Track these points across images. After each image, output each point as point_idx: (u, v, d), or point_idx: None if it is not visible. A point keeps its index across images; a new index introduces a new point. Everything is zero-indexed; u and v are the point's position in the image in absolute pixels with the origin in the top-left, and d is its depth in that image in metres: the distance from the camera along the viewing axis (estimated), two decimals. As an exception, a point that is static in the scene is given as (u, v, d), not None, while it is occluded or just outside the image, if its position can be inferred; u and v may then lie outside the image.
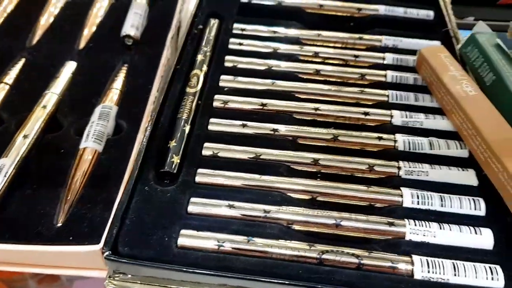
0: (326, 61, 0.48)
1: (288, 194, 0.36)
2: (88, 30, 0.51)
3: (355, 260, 0.32)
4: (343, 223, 0.34)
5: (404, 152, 0.39)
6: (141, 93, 0.43)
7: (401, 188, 0.36)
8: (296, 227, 0.34)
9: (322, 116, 0.42)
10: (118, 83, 0.44)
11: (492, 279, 0.31)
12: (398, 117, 0.42)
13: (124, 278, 0.32)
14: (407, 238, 0.33)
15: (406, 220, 0.34)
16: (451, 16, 0.53)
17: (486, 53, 0.44)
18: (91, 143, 0.38)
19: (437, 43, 0.50)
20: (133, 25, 0.49)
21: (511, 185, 0.33)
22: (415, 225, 0.34)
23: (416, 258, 0.32)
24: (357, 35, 0.50)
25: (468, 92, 0.40)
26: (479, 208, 0.35)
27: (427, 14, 0.54)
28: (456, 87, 0.40)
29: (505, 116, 0.39)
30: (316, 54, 0.48)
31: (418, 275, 0.31)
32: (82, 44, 0.49)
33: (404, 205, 0.35)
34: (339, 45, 0.50)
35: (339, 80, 0.46)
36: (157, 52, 0.47)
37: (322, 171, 0.38)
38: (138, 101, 0.43)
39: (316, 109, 0.42)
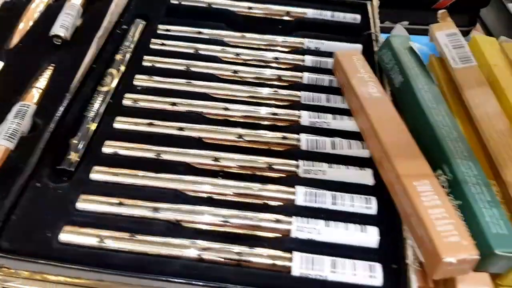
0: (247, 62, 0.48)
1: (185, 192, 0.36)
2: (20, 30, 0.51)
3: (235, 257, 0.32)
4: (231, 220, 0.34)
5: (306, 151, 0.40)
6: (60, 91, 0.43)
7: (296, 186, 0.36)
8: (185, 224, 0.34)
9: (231, 116, 0.42)
10: (41, 82, 0.44)
11: (370, 276, 0.31)
12: (306, 118, 0.42)
13: (7, 273, 0.32)
14: (293, 235, 0.34)
15: (293, 217, 0.34)
16: (376, 20, 0.54)
17: (398, 56, 0.44)
18: (2, 141, 0.38)
19: (358, 46, 0.50)
20: (62, 25, 0.49)
21: (400, 185, 0.33)
22: (302, 222, 0.34)
23: (296, 255, 0.32)
24: (280, 38, 0.51)
25: (373, 93, 0.40)
26: (370, 206, 0.35)
27: (354, 17, 0.54)
28: (362, 89, 0.41)
29: (410, 118, 0.39)
30: (237, 55, 0.48)
31: (296, 272, 0.32)
32: (12, 44, 0.49)
33: (297, 203, 0.36)
34: (263, 47, 0.50)
35: (255, 81, 0.46)
36: (83, 51, 0.47)
37: (224, 170, 0.38)
38: (56, 100, 0.43)
39: (226, 108, 0.42)
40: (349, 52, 0.45)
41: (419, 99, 0.40)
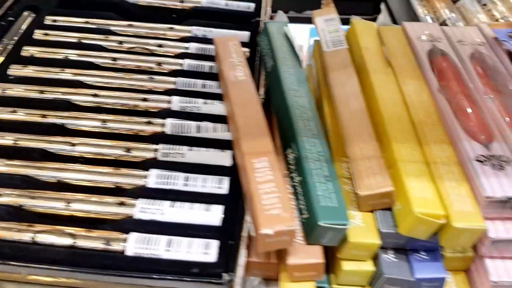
0: (130, 50, 0.48)
1: (34, 177, 0.36)
2: None
3: (70, 239, 0.32)
4: (73, 204, 0.34)
5: (170, 136, 0.40)
6: None
7: (150, 169, 0.36)
8: (28, 208, 0.34)
9: (100, 103, 0.42)
10: None
11: (205, 253, 0.32)
12: (176, 103, 0.42)
13: None
14: (136, 217, 0.34)
15: (139, 199, 0.34)
16: (267, 8, 0.54)
17: (272, 41, 0.45)
18: None
19: (246, 33, 0.50)
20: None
21: (241, 162, 0.33)
22: (147, 204, 0.34)
23: (131, 235, 0.32)
24: (167, 26, 0.51)
25: (238, 77, 0.41)
26: (222, 186, 0.36)
27: (248, 6, 0.55)
28: (230, 73, 0.41)
29: (274, 99, 0.40)
30: (120, 44, 0.48)
31: (130, 252, 0.31)
32: None
33: (148, 185, 0.36)
34: (150, 35, 0.50)
35: (135, 68, 0.46)
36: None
37: (84, 156, 0.38)
38: None
39: (95, 95, 0.42)
40: (227, 38, 0.46)
41: (282, 81, 0.40)
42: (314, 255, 0.31)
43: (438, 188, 0.33)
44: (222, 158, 0.38)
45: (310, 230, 0.31)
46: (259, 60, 0.46)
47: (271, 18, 0.54)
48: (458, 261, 0.34)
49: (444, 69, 0.41)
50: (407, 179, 0.32)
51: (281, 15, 0.49)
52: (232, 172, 0.37)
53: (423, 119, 0.37)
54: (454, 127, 0.36)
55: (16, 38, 0.49)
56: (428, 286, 0.33)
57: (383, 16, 0.65)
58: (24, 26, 0.50)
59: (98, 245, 0.32)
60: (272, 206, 0.30)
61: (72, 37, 0.49)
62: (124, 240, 0.32)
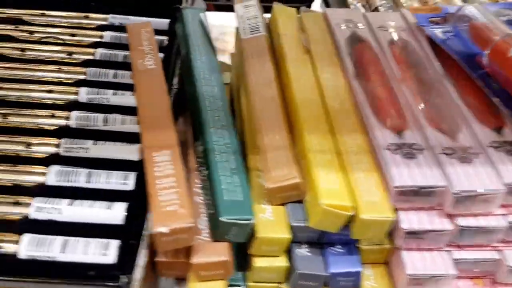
0: (42, 39, 0.45)
1: None
2: None
3: (-46, 243, 0.29)
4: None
5: (75, 129, 0.37)
6: None
7: (50, 166, 0.34)
8: None
9: (3, 96, 0.39)
10: None
11: (103, 254, 0.30)
12: (83, 94, 0.40)
13: None
14: (32, 217, 0.31)
15: (35, 198, 0.32)
16: (190, -5, 0.52)
17: (186, 29, 0.43)
18: None
19: (165, 21, 0.48)
20: None
21: (145, 160, 0.31)
22: (44, 203, 0.31)
23: (25, 237, 0.30)
24: (83, 14, 0.48)
25: (148, 66, 0.38)
26: (127, 182, 0.34)
27: (171, -8, 0.52)
28: (138, 61, 0.39)
29: (187, 88, 0.38)
30: (31, 34, 0.45)
31: (22, 254, 0.29)
32: None
33: (48, 183, 0.33)
34: (63, 24, 0.47)
35: (45, 59, 0.43)
36: None
37: (-18, 152, 0.35)
38: None
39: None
40: (140, 25, 0.43)
41: (193, 69, 0.38)
42: (219, 253, 0.30)
43: (348, 179, 0.31)
44: (129, 152, 0.36)
45: (215, 226, 0.30)
46: (176, 48, 0.44)
47: (192, 4, 0.52)
48: (376, 253, 0.33)
49: (362, 56, 0.40)
50: (316, 170, 0.31)
51: (199, 2, 0.47)
52: (139, 167, 0.35)
53: (337, 107, 0.36)
54: (367, 115, 0.35)
55: None
56: (344, 281, 0.32)
57: (317, 4, 0.64)
58: None
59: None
60: (170, 202, 0.28)
61: (-21, 27, 0.45)
62: (17, 242, 0.29)
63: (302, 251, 0.32)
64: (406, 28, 0.44)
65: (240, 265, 0.33)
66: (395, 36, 0.43)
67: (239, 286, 0.33)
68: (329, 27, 0.44)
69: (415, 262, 0.32)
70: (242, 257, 0.33)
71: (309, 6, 0.67)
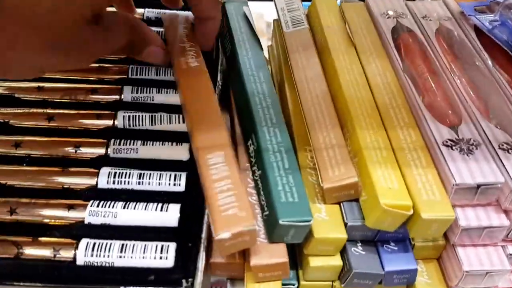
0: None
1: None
2: None
3: (14, 249, 0.29)
4: (20, 210, 0.31)
5: (122, 129, 0.37)
6: None
7: (102, 168, 0.34)
8: (-32, 216, 0.31)
9: (44, 94, 0.39)
10: None
11: (161, 258, 0.29)
12: (128, 93, 0.39)
13: None
14: (87, 221, 0.31)
15: (89, 202, 0.32)
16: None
17: (230, 23, 0.42)
18: None
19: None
20: None
21: (199, 162, 0.31)
22: (98, 206, 0.31)
23: (82, 242, 0.30)
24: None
25: (190, 64, 0.38)
26: (179, 183, 0.33)
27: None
28: (180, 59, 0.38)
29: (233, 86, 0.37)
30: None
31: (80, 261, 0.29)
32: None
33: (99, 186, 0.33)
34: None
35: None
36: None
37: (30, 155, 0.35)
38: None
39: (39, 88, 0.39)
40: (176, 18, 0.43)
41: (240, 66, 0.38)
42: (278, 255, 0.30)
43: (405, 177, 0.31)
44: (179, 152, 0.36)
45: (272, 229, 0.29)
46: (218, 44, 0.44)
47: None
48: (429, 250, 0.33)
49: (409, 47, 0.40)
50: (372, 168, 0.31)
51: (241, -6, 0.47)
52: (189, 167, 0.35)
53: (388, 101, 0.35)
54: (419, 109, 0.34)
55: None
56: (399, 278, 0.32)
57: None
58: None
59: (46, 254, 0.29)
60: (229, 205, 0.28)
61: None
62: (74, 248, 0.29)
63: (357, 250, 0.32)
64: (451, 17, 0.43)
65: (292, 264, 0.32)
66: (440, 26, 0.42)
67: (293, 285, 0.33)
68: (372, 18, 0.43)
69: (470, 258, 0.32)
70: (293, 256, 0.33)
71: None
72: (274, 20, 0.47)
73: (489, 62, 0.38)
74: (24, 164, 0.35)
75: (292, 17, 0.43)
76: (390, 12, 0.43)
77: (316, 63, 0.38)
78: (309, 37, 0.40)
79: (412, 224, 0.30)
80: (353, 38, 0.40)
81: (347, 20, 0.42)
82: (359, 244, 0.32)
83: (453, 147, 0.32)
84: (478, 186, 0.30)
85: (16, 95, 0.39)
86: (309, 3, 0.46)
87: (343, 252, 0.32)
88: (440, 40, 0.40)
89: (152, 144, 0.36)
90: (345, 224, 0.31)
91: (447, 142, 0.32)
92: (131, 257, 0.30)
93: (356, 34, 0.41)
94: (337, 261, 0.32)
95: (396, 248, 0.32)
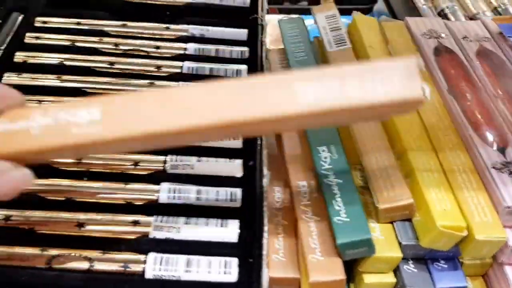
0: (127, 52, 0.47)
1: (42, 196, 0.34)
2: None
3: (86, 263, 0.31)
4: (88, 224, 0.33)
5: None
6: None
7: (161, 183, 0.35)
8: (38, 230, 0.33)
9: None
10: None
11: (225, 273, 0.31)
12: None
13: None
14: (151, 235, 0.33)
15: (153, 217, 0.33)
16: (264, 3, 0.52)
17: (284, 41, 0.43)
18: None
19: (244, 31, 0.49)
20: None
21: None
22: (161, 221, 0.33)
23: (150, 256, 0.31)
24: (164, 25, 0.49)
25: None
26: (235, 199, 0.35)
27: (244, 1, 0.53)
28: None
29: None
30: (116, 46, 0.47)
31: (149, 274, 0.31)
32: None
33: (160, 201, 0.35)
34: (145, 36, 0.48)
35: (134, 72, 0.45)
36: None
37: (90, 169, 0.37)
38: None
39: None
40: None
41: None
42: (335, 272, 0.31)
43: (457, 198, 0.32)
44: (232, 168, 0.37)
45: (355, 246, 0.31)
46: (260, 59, 0.45)
47: (268, 12, 0.53)
48: (476, 267, 0.34)
49: (452, 68, 0.41)
50: (426, 190, 0.32)
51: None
52: (243, 183, 0.36)
53: (436, 123, 0.37)
54: (467, 131, 0.36)
55: (6, 42, 0.46)
56: (448, 295, 0.33)
57: (379, 5, 0.64)
58: (13, 29, 0.48)
59: (116, 268, 0.31)
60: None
61: (65, 39, 0.47)
62: (143, 262, 0.31)
63: (409, 267, 0.33)
64: (490, 38, 0.44)
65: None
66: (481, 47, 0.43)
67: (345, 301, 0.34)
68: (412, 37, 0.44)
69: (518, 277, 0.33)
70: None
71: (371, 9, 0.68)
72: (314, 37, 0.48)
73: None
74: (84, 179, 0.36)
75: (335, 36, 0.44)
76: (430, 33, 0.44)
77: (363, 83, 0.39)
78: (353, 57, 0.42)
79: (466, 244, 0.32)
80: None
81: (389, 40, 0.44)
82: (410, 262, 0.34)
83: (502, 170, 0.33)
84: (528, 208, 0.32)
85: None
86: (346, 19, 0.48)
87: (396, 270, 0.33)
88: (481, 61, 0.42)
89: (206, 161, 0.37)
90: (399, 243, 0.33)
91: (496, 165, 0.34)
92: (197, 272, 0.31)
93: (398, 54, 0.43)
94: (390, 278, 0.33)
95: (446, 266, 0.34)
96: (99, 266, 0.31)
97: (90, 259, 0.31)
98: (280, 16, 0.51)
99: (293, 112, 0.24)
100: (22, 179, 0.24)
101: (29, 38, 0.47)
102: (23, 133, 0.21)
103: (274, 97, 0.22)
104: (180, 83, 0.44)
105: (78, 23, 0.49)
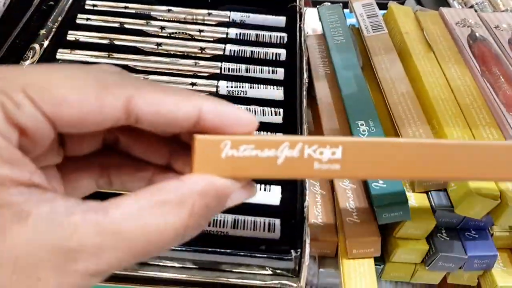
0: (172, 35, 0.49)
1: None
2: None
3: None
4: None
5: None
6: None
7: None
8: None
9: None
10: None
11: (269, 231, 0.33)
12: (223, 87, 0.43)
13: None
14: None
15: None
16: (302, -8, 0.55)
17: (323, 28, 0.46)
18: None
19: (282, 18, 0.51)
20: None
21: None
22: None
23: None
24: (206, 11, 0.52)
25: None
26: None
27: (283, -11, 0.55)
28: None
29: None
30: (162, 29, 0.49)
31: (199, 230, 0.33)
32: None
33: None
34: (189, 21, 0.51)
35: (178, 53, 0.47)
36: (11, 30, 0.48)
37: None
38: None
39: (146, 79, 0.43)
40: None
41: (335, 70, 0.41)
42: (371, 233, 0.33)
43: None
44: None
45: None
46: (300, 44, 0.47)
47: (305, 2, 0.55)
48: (505, 239, 0.36)
49: (485, 54, 0.43)
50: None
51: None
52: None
53: (469, 103, 0.38)
54: (500, 111, 0.37)
55: (58, 21, 0.49)
56: (479, 263, 0.35)
57: (410, 2, 0.66)
58: (64, 10, 0.51)
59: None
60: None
61: (114, 21, 0.49)
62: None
63: (442, 236, 0.35)
64: (522, 28, 0.46)
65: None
66: (513, 36, 0.45)
67: (379, 265, 0.36)
68: (446, 26, 0.46)
69: (545, 249, 0.35)
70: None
71: (402, 3, 0.69)
72: (350, 25, 0.51)
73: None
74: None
75: (372, 22, 0.46)
76: (464, 22, 0.46)
77: (399, 65, 0.42)
78: (390, 41, 0.44)
79: (499, 212, 0.33)
80: (431, 44, 0.44)
81: (424, 27, 0.46)
82: (443, 231, 0.35)
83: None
84: (558, 180, 0.33)
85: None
86: (383, 11, 0.50)
87: (429, 237, 0.35)
88: (512, 48, 0.44)
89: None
90: (434, 211, 0.34)
91: (530, 138, 0.35)
92: (243, 229, 0.33)
93: (433, 41, 0.44)
94: (423, 245, 0.35)
95: (477, 236, 0.35)
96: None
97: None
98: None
99: None
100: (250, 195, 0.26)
101: (80, 19, 0.50)
102: (270, 161, 0.23)
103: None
104: (222, 63, 0.46)
105: (126, 7, 0.51)
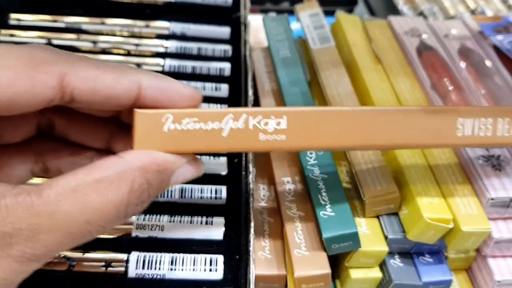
0: (106, 51, 0.46)
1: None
2: None
3: (66, 263, 0.30)
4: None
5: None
6: None
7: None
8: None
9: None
10: None
11: (211, 270, 0.30)
12: (161, 107, 0.40)
13: None
14: (134, 234, 0.32)
15: (134, 217, 0.32)
16: (247, 2, 0.52)
17: (268, 39, 0.43)
18: None
19: (226, 29, 0.49)
20: None
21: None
22: (143, 220, 0.32)
23: (133, 255, 0.31)
24: (143, 23, 0.48)
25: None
26: (220, 197, 0.34)
27: (225, 0, 0.52)
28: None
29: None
30: (94, 43, 0.46)
31: (132, 274, 0.30)
32: None
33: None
34: (124, 34, 0.47)
35: (113, 71, 0.44)
36: None
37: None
38: None
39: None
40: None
41: (279, 82, 0.39)
42: (320, 266, 0.31)
43: (443, 192, 0.32)
44: (217, 166, 0.36)
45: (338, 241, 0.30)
46: (244, 57, 0.45)
47: (251, 11, 0.53)
48: (460, 261, 0.34)
49: (434, 65, 0.41)
50: (412, 184, 0.32)
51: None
52: (228, 181, 0.36)
53: (420, 119, 0.36)
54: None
55: (-21, 39, 0.45)
56: (434, 289, 0.33)
57: (360, 7, 0.64)
58: (-13, 26, 0.46)
59: (98, 268, 0.30)
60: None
61: (41, 37, 0.46)
62: (125, 261, 0.30)
63: (395, 262, 0.33)
64: (470, 37, 0.45)
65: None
66: (462, 45, 0.43)
67: (331, 296, 0.34)
68: (395, 36, 0.44)
69: (501, 268, 0.34)
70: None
71: (351, 10, 0.68)
72: (297, 36, 0.48)
73: (510, 79, 0.40)
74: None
75: (319, 34, 0.44)
76: (413, 31, 0.44)
77: (347, 81, 0.39)
78: (337, 55, 0.42)
79: (451, 237, 0.32)
80: (380, 56, 0.42)
81: (372, 38, 0.44)
82: (396, 256, 0.33)
83: (486, 163, 0.34)
84: (511, 199, 0.32)
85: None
86: (331, 18, 0.48)
87: (382, 264, 0.33)
88: (462, 59, 0.42)
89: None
90: (385, 237, 0.32)
91: (479, 158, 0.34)
92: (182, 269, 0.30)
93: (381, 52, 0.43)
94: (376, 273, 0.33)
95: (431, 260, 0.34)
96: (79, 266, 0.30)
97: (69, 259, 0.30)
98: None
99: (450, 143, 0.28)
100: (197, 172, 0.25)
101: (3, 35, 0.46)
102: (215, 134, 0.23)
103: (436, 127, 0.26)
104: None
105: (55, 21, 0.48)
